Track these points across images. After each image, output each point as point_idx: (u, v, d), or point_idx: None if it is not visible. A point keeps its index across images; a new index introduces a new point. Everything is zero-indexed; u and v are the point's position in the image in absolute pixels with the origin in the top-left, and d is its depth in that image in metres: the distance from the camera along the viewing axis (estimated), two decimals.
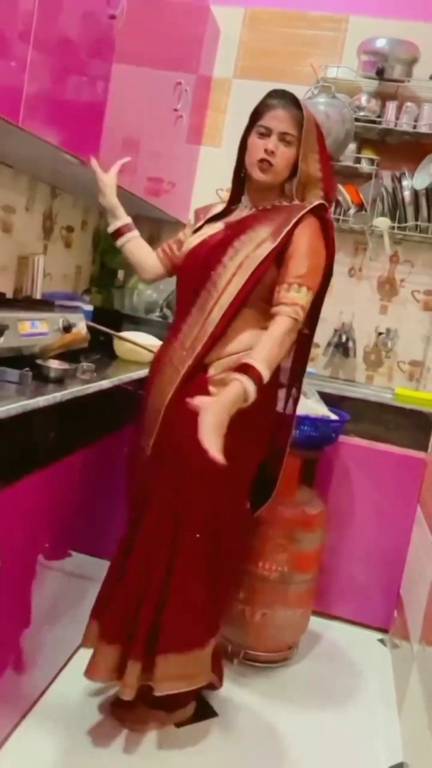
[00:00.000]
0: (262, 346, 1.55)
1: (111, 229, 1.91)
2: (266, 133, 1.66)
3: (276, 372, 1.66)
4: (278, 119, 1.65)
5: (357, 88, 2.74)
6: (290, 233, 1.63)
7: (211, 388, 1.64)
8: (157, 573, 1.64)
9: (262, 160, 1.66)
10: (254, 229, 1.67)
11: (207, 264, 1.68)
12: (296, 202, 1.72)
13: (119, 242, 1.92)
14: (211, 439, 1.40)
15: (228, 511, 1.72)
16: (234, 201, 1.80)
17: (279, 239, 1.62)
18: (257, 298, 1.64)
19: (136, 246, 1.92)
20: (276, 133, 1.65)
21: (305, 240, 1.63)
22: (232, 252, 1.65)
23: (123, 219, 1.89)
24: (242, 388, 1.47)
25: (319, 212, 1.67)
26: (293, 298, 1.58)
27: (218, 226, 1.75)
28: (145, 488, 1.71)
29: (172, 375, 1.69)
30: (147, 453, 1.73)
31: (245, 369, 1.50)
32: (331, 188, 1.75)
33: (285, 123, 1.65)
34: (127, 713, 1.81)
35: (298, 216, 1.64)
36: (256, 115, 1.69)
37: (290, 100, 1.67)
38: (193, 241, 1.77)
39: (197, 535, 1.65)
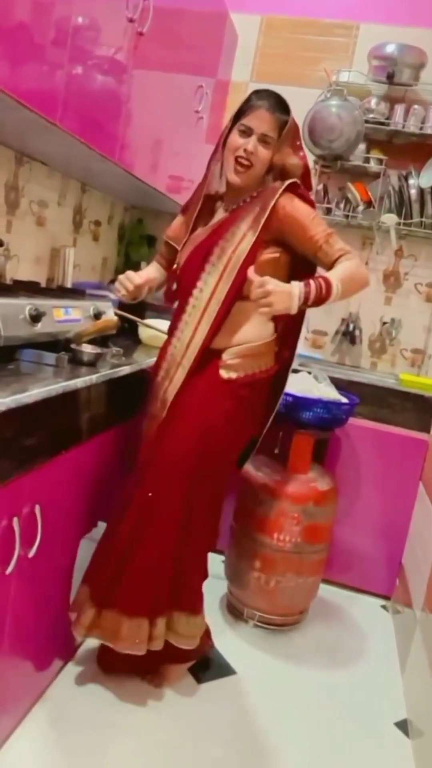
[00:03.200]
0: (341, 270, 1.53)
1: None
2: (247, 132, 1.55)
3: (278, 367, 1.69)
4: (260, 119, 1.53)
5: (367, 91, 2.66)
6: (273, 215, 1.55)
7: (222, 372, 1.60)
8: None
9: (239, 158, 1.56)
10: (235, 225, 1.58)
11: (198, 266, 1.60)
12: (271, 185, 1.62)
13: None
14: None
15: (220, 472, 1.67)
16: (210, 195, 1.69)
17: (258, 229, 1.55)
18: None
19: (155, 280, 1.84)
20: (257, 134, 1.54)
21: (296, 211, 1.56)
22: (219, 251, 1.57)
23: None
24: (302, 287, 1.45)
25: (291, 189, 1.58)
26: (341, 248, 1.56)
27: (202, 231, 1.67)
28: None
29: (174, 368, 1.63)
30: (151, 431, 1.67)
31: (316, 278, 1.49)
32: (309, 177, 1.66)
33: (267, 125, 1.54)
34: (143, 668, 1.75)
35: (274, 198, 1.55)
36: (240, 113, 1.57)
37: (275, 102, 1.55)
38: (187, 248, 1.67)
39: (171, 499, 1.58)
